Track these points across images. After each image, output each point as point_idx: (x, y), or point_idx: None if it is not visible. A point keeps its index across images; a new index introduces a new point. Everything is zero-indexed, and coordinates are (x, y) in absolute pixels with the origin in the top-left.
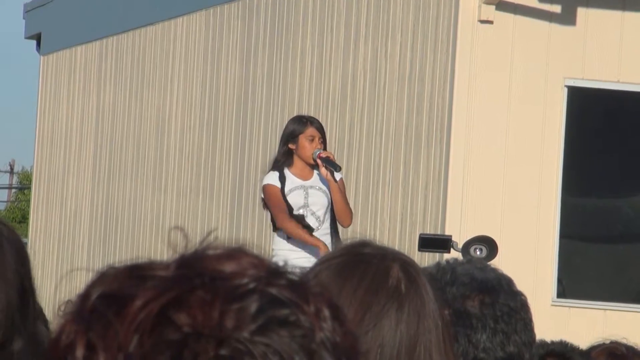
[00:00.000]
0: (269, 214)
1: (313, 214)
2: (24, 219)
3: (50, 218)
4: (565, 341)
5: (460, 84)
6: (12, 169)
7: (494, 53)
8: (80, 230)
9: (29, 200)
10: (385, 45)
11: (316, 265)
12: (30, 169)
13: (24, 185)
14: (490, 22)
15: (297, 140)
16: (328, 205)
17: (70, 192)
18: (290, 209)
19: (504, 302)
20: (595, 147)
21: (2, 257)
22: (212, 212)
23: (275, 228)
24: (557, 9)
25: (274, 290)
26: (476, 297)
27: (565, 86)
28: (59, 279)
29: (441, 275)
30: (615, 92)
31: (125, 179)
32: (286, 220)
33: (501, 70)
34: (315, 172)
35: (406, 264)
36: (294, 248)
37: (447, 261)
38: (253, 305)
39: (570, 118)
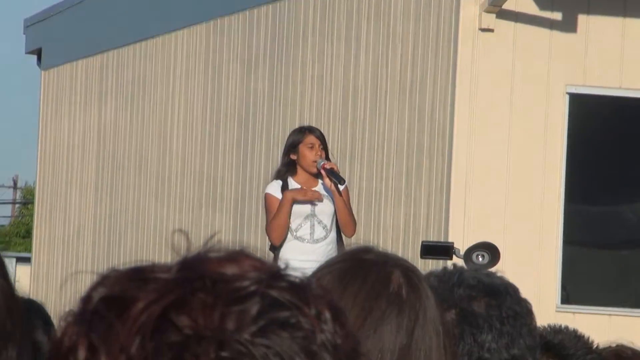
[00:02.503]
0: None
1: (320, 222)
2: (28, 233)
3: (54, 233)
4: (571, 331)
5: (461, 93)
6: (15, 184)
7: (495, 61)
8: (84, 245)
9: (32, 215)
10: (386, 56)
11: (318, 269)
12: (34, 184)
13: (27, 200)
14: (491, 31)
15: (298, 149)
16: (334, 214)
17: (74, 206)
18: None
19: (509, 305)
20: (598, 153)
21: None
22: (214, 225)
23: (274, 248)
24: (558, 16)
25: (274, 293)
26: (482, 299)
27: (567, 93)
28: (62, 283)
29: (448, 278)
30: (617, 99)
31: (128, 193)
32: (270, 224)
33: (502, 78)
34: (319, 181)
35: (408, 270)
36: (306, 257)
37: (455, 265)
38: (254, 308)
39: (572, 125)
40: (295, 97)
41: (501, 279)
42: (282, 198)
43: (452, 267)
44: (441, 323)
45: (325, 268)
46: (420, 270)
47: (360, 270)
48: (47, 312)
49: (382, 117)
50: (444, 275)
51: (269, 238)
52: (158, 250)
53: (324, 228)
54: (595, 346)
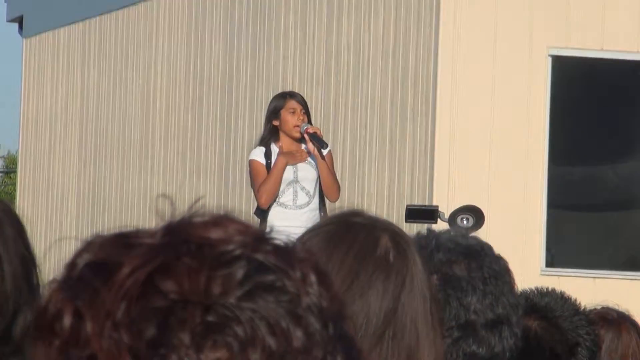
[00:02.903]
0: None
1: (303, 188)
2: (11, 202)
3: (37, 201)
4: (557, 293)
5: (444, 56)
6: None
7: (477, 24)
8: (68, 213)
9: (15, 184)
10: (368, 20)
11: (306, 232)
12: (16, 153)
13: (10, 169)
14: None
15: (280, 115)
16: (317, 180)
17: (57, 174)
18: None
19: (489, 265)
20: (581, 115)
21: (1, 227)
22: (199, 191)
23: (261, 211)
24: None
25: (260, 256)
26: (462, 261)
27: (549, 55)
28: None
29: (426, 243)
30: (599, 61)
31: (112, 160)
32: (259, 188)
33: (485, 41)
34: (303, 146)
35: (396, 234)
36: (290, 223)
37: (428, 229)
38: (239, 272)
39: (555, 87)
40: (278, 62)
41: (476, 239)
42: (276, 162)
43: (426, 231)
44: (428, 289)
45: (313, 231)
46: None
47: (348, 234)
48: None
49: (364, 80)
50: (421, 241)
51: (258, 202)
52: (142, 216)
53: (306, 194)
54: (582, 308)
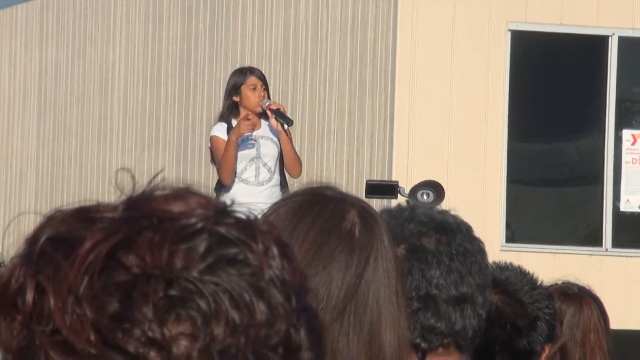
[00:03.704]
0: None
1: (264, 164)
2: None
3: None
4: (516, 268)
5: (403, 31)
6: None
7: None
8: (27, 190)
9: None
10: None
11: (276, 202)
12: None
13: None
14: None
15: (240, 91)
16: (278, 156)
17: (15, 152)
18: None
19: (460, 243)
20: (540, 90)
21: None
22: (157, 166)
23: (220, 186)
24: None
25: (222, 230)
26: (433, 235)
27: (509, 30)
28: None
29: (400, 213)
30: (558, 35)
31: (71, 136)
32: (219, 164)
33: (444, 16)
34: (264, 122)
35: (365, 210)
36: (252, 199)
37: (408, 202)
38: (202, 245)
39: (514, 62)
40: (237, 37)
41: (454, 217)
42: (228, 140)
43: (406, 203)
44: (394, 267)
45: (283, 200)
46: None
47: (317, 205)
48: None
49: (323, 55)
50: (396, 212)
51: (220, 178)
52: (102, 191)
53: (268, 170)
54: (539, 282)
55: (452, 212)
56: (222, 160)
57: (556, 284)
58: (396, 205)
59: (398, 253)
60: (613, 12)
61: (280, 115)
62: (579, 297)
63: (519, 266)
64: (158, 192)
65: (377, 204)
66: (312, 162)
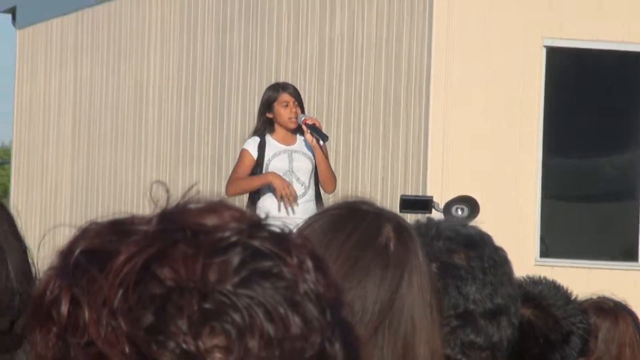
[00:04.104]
0: None
1: (298, 179)
2: (5, 194)
3: (32, 191)
4: (550, 282)
5: (438, 45)
6: None
7: (472, 14)
8: (62, 203)
9: (9, 176)
10: (362, 9)
11: (312, 216)
12: (10, 144)
13: (4, 161)
14: None
15: (273, 108)
16: (312, 171)
17: (51, 165)
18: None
19: (489, 255)
20: (575, 106)
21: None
22: (192, 181)
23: (253, 200)
24: None
25: (256, 243)
26: (462, 251)
27: (544, 46)
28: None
29: (426, 231)
30: (593, 51)
31: (105, 150)
32: (234, 180)
33: (479, 31)
34: (300, 137)
35: (400, 225)
36: (282, 215)
37: (428, 218)
38: (236, 258)
39: (550, 78)
40: (272, 52)
41: (476, 229)
42: (264, 174)
43: (426, 219)
44: (429, 282)
45: (319, 214)
46: None
47: (353, 219)
48: None
49: (358, 70)
50: (420, 228)
51: (225, 188)
52: (136, 204)
53: (302, 185)
54: (574, 297)
55: (473, 224)
56: (242, 182)
57: (591, 298)
58: (416, 221)
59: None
60: None
61: (316, 131)
62: (614, 311)
63: (552, 280)
64: (192, 205)
65: (411, 218)
66: (347, 177)
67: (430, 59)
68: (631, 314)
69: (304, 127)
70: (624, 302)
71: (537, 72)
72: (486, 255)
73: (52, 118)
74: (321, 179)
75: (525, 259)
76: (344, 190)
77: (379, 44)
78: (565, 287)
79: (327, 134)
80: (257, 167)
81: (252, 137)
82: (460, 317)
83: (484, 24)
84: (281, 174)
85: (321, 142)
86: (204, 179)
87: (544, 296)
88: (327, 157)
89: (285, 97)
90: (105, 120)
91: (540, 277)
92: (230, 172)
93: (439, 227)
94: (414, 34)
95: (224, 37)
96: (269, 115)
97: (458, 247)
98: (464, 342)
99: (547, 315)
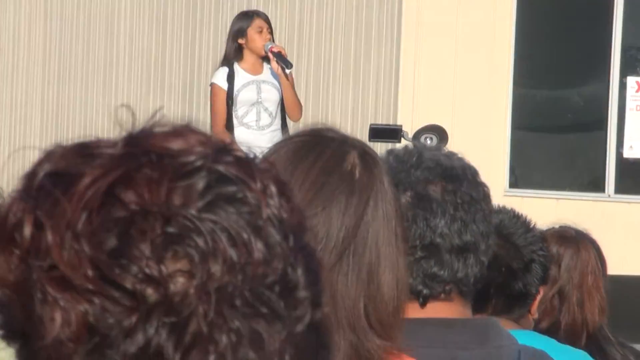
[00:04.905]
0: None
1: (266, 109)
2: None
3: (0, 123)
4: (509, 211)
5: None
6: None
7: None
8: (31, 134)
9: None
10: None
11: (278, 142)
12: None
13: None
14: None
15: (246, 33)
16: (279, 101)
17: (20, 97)
18: (230, 115)
19: (466, 190)
20: (546, 36)
21: None
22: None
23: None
24: None
25: (221, 168)
26: (439, 182)
27: None
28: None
29: (407, 158)
30: None
31: (76, 82)
32: (219, 131)
33: None
34: (266, 66)
35: (365, 152)
36: (252, 143)
37: (416, 145)
38: (200, 183)
39: (521, 7)
40: None
41: (461, 160)
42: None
43: (413, 146)
44: (394, 209)
45: (284, 141)
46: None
47: (318, 145)
48: None
49: (329, 0)
50: (403, 155)
51: (212, 129)
52: (106, 135)
53: (269, 115)
54: (532, 225)
55: (459, 156)
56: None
57: (553, 228)
58: (403, 148)
59: (404, 200)
60: None
61: (281, 58)
62: (576, 240)
63: (512, 209)
64: (158, 129)
65: (381, 148)
66: (318, 108)
67: None
68: (593, 242)
69: (270, 55)
70: (585, 231)
71: (509, 2)
72: (462, 190)
73: (22, 51)
74: (287, 107)
75: (495, 190)
76: (314, 119)
77: None
78: (524, 215)
79: (292, 62)
80: (228, 99)
81: (221, 68)
82: (425, 248)
83: None
84: (249, 105)
85: (287, 71)
86: (175, 108)
87: (504, 225)
88: (292, 86)
89: (259, 22)
90: (76, 51)
91: (499, 205)
92: (199, 101)
93: (422, 156)
94: None
95: None
96: (241, 42)
97: (435, 178)
98: (427, 274)
99: (509, 244)
